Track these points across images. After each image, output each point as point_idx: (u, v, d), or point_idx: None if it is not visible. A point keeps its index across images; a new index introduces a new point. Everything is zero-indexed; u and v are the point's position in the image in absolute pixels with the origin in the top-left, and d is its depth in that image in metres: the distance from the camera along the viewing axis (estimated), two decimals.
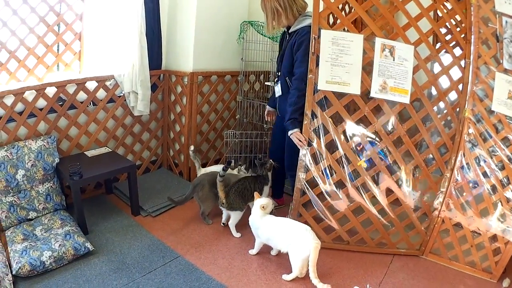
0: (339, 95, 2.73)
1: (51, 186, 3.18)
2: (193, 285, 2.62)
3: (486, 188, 2.75)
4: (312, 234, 2.64)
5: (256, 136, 4.13)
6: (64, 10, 3.36)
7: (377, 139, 2.85)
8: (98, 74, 3.52)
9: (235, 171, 3.62)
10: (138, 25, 3.42)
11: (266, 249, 3.01)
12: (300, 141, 2.83)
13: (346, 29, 2.75)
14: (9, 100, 3.01)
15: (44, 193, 3.13)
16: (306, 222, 2.97)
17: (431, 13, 2.78)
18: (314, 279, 2.58)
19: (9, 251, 2.66)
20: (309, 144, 2.83)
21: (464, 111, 2.74)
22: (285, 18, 2.89)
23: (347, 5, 3.46)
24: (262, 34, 3.87)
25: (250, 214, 2.93)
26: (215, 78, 4.14)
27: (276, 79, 3.13)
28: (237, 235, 3.22)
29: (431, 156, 2.91)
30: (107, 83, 3.57)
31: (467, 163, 2.80)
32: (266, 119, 3.63)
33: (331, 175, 2.87)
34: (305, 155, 2.85)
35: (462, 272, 2.98)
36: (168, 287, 2.59)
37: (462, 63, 2.73)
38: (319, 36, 2.64)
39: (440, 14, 2.79)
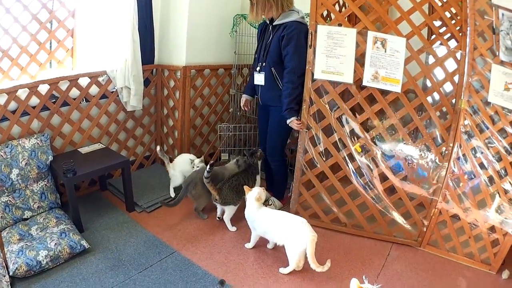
0: (335, 84, 2.96)
1: (46, 185, 3.19)
2: (190, 280, 2.65)
3: (483, 179, 2.79)
4: (308, 227, 2.67)
5: (250, 129, 4.17)
6: (57, 7, 3.36)
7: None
8: (91, 70, 3.53)
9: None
10: (130, 19, 3.43)
11: (262, 243, 3.05)
12: (298, 125, 3.10)
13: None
14: (2, 99, 3.01)
15: (38, 192, 3.15)
16: (305, 202, 3.35)
17: (426, 5, 2.84)
18: (317, 268, 2.62)
19: (5, 251, 2.68)
20: (308, 127, 3.10)
21: (460, 103, 2.77)
22: (275, 11, 2.99)
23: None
24: (254, 27, 3.88)
25: (245, 207, 2.96)
26: (208, 71, 4.15)
27: (259, 68, 3.19)
28: (233, 229, 3.25)
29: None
30: (100, 79, 3.57)
31: (463, 154, 2.83)
32: (243, 109, 3.67)
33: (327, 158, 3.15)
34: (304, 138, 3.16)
35: (461, 263, 3.02)
36: (165, 283, 2.62)
37: (458, 55, 2.75)
38: (315, 31, 2.87)
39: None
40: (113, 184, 3.78)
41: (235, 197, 3.12)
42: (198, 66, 3.99)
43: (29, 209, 3.08)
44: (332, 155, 3.13)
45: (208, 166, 3.02)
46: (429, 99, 2.94)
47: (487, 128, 2.71)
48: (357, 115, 3.01)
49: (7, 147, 3.00)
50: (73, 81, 3.39)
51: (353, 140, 3.04)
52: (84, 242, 2.84)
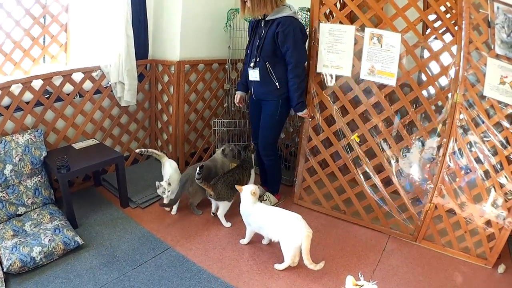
0: (336, 77, 3.17)
1: (39, 180, 3.20)
2: (184, 276, 2.65)
3: (479, 173, 2.81)
4: (303, 223, 2.68)
5: (244, 124, 4.17)
6: (50, 2, 3.35)
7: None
8: (85, 65, 3.53)
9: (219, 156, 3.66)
10: (124, 14, 3.41)
11: (257, 239, 3.05)
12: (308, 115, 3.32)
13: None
14: None
15: (32, 188, 3.15)
16: (308, 187, 3.57)
17: (421, 1, 2.94)
18: (310, 265, 2.64)
19: None
20: (312, 117, 3.34)
21: (456, 96, 2.78)
22: (269, 7, 2.98)
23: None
24: (248, 22, 3.87)
25: (240, 202, 2.97)
26: (202, 66, 4.14)
27: (253, 64, 3.19)
28: (227, 224, 3.26)
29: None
30: (94, 74, 3.56)
31: (459, 149, 2.85)
32: (237, 106, 3.66)
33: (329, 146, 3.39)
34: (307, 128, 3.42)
35: (456, 258, 3.05)
36: (159, 280, 2.62)
37: (453, 49, 2.76)
38: (318, 29, 3.12)
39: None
40: (107, 179, 3.78)
41: (230, 192, 3.12)
42: (192, 61, 3.97)
43: (23, 205, 3.08)
44: (333, 143, 3.34)
45: (197, 169, 3.02)
46: (425, 93, 2.99)
47: (483, 122, 2.73)
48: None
49: (0, 142, 2.99)
50: (66, 76, 3.38)
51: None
52: (78, 238, 2.84)
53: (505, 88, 2.62)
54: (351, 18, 3.16)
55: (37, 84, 3.22)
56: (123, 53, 3.50)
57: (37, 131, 3.22)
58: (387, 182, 3.20)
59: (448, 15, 2.81)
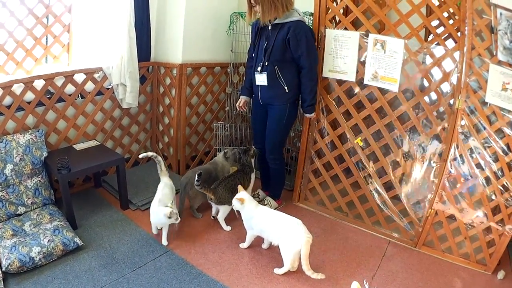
0: (340, 82, 3.25)
1: (40, 181, 3.20)
2: (184, 279, 2.65)
3: (480, 180, 2.80)
4: (303, 228, 2.68)
5: (246, 128, 4.19)
6: (53, 2, 3.36)
7: None
8: (87, 66, 3.53)
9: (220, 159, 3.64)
10: (127, 15, 3.42)
11: (257, 243, 3.05)
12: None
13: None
14: None
15: (32, 188, 3.15)
16: (313, 188, 3.64)
17: (424, 7, 2.95)
18: (308, 271, 2.64)
19: None
20: (317, 120, 3.43)
21: (458, 102, 2.78)
22: (280, 12, 2.98)
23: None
24: (251, 25, 3.89)
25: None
26: (204, 69, 4.15)
27: (260, 68, 3.18)
28: (227, 228, 3.26)
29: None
30: (96, 76, 3.57)
31: (460, 155, 2.85)
32: (240, 110, 3.60)
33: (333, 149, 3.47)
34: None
35: (456, 264, 3.04)
36: (158, 282, 2.62)
37: (456, 55, 2.77)
38: (324, 34, 3.20)
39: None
40: (107, 181, 3.79)
41: (230, 196, 3.10)
42: (194, 64, 3.98)
43: (22, 204, 3.08)
44: (337, 146, 3.42)
45: (196, 176, 3.01)
46: (426, 99, 3.00)
47: (484, 129, 2.73)
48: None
49: (1, 142, 3.00)
50: (68, 77, 3.38)
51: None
52: (77, 239, 2.84)
53: (507, 94, 2.61)
54: (355, 24, 3.17)
55: (39, 84, 3.23)
56: (125, 54, 3.51)
57: (38, 131, 3.22)
58: (389, 186, 3.22)
59: (451, 21, 2.82)
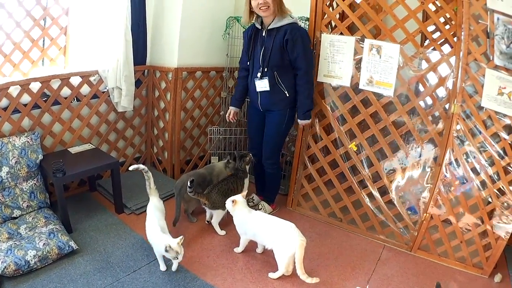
0: (335, 87, 3.30)
1: (35, 184, 3.23)
2: (178, 284, 2.68)
3: (475, 184, 2.85)
4: (297, 232, 2.72)
5: (241, 133, 4.24)
6: (51, 4, 3.41)
7: None
8: (83, 69, 3.57)
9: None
10: (123, 19, 3.47)
11: (251, 247, 3.09)
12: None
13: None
14: None
15: (28, 191, 3.18)
16: (306, 194, 3.68)
17: (421, 12, 2.99)
18: (302, 275, 2.67)
19: None
20: (311, 125, 3.46)
21: (453, 107, 2.83)
22: (280, 11, 3.02)
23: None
24: (244, 32, 3.93)
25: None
26: (199, 74, 4.19)
27: (260, 74, 3.20)
28: (222, 233, 3.29)
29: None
30: (91, 79, 3.61)
31: (455, 159, 2.90)
32: (229, 120, 3.61)
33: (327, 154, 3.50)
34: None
35: (452, 268, 3.09)
36: (153, 287, 2.66)
37: (452, 60, 2.82)
38: (320, 39, 3.25)
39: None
40: (102, 185, 3.83)
41: (224, 201, 3.10)
42: (190, 68, 4.03)
43: (18, 207, 3.12)
44: (331, 151, 3.45)
45: (188, 183, 3.03)
46: (422, 104, 3.04)
47: (480, 133, 2.78)
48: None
49: None
50: (64, 79, 3.42)
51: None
52: (72, 243, 2.88)
53: (503, 99, 2.67)
54: (351, 29, 3.22)
55: (35, 86, 3.26)
56: (121, 58, 3.55)
57: (34, 134, 3.25)
58: (384, 191, 3.26)
59: (447, 26, 2.86)
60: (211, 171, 3.53)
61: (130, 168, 3.03)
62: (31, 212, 3.18)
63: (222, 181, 3.30)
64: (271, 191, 3.72)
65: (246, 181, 3.49)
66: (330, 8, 3.26)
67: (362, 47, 3.05)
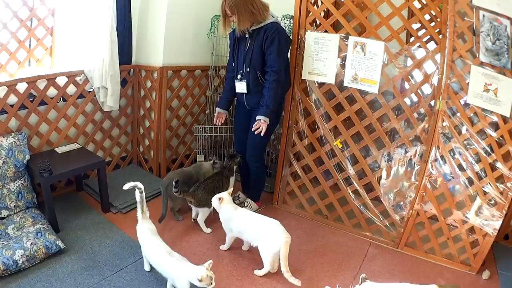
0: (320, 84, 3.38)
1: (22, 184, 3.29)
2: (164, 281, 2.72)
3: (462, 180, 2.94)
4: (282, 229, 2.81)
5: (226, 131, 4.32)
6: (37, 4, 3.46)
7: None
8: (69, 69, 3.64)
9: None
10: (109, 19, 3.54)
11: (237, 245, 3.17)
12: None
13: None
14: None
15: (15, 191, 3.24)
16: (292, 191, 3.77)
17: (406, 10, 3.09)
18: (286, 273, 2.76)
19: None
20: (296, 123, 3.55)
21: (438, 104, 2.92)
22: (259, 17, 3.11)
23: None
24: (232, 29, 4.00)
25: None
26: (185, 72, 4.29)
27: (240, 76, 3.31)
28: (207, 230, 3.38)
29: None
30: (77, 79, 3.68)
31: (441, 156, 2.98)
32: (215, 123, 3.66)
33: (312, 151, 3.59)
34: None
35: (440, 265, 3.17)
36: (139, 284, 2.74)
37: (437, 57, 2.91)
38: (304, 37, 3.33)
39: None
40: (89, 184, 3.90)
41: (209, 199, 3.17)
42: (175, 67, 4.13)
43: (6, 208, 3.17)
44: (316, 149, 3.55)
45: (173, 183, 3.11)
46: (408, 101, 3.13)
47: (466, 130, 2.86)
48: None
49: None
50: (50, 80, 3.48)
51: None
52: (59, 242, 2.95)
53: (489, 95, 2.75)
54: (335, 26, 3.30)
55: (21, 87, 3.32)
56: (107, 58, 3.62)
57: (20, 134, 3.30)
58: (370, 188, 3.35)
59: (433, 24, 2.95)
60: (198, 169, 3.62)
61: (125, 187, 2.87)
62: (18, 212, 3.23)
63: (207, 179, 3.38)
64: (256, 189, 3.81)
65: (232, 179, 3.58)
66: (315, 6, 3.33)
67: (347, 45, 3.14)
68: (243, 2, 3.03)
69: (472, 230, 3.01)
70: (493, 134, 2.80)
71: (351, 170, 3.37)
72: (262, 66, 3.21)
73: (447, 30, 2.80)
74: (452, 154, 2.96)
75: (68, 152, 3.60)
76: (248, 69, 3.25)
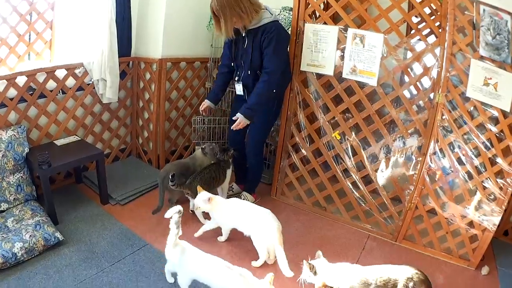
0: (318, 76, 3.44)
1: (22, 177, 3.36)
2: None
3: (461, 174, 3.00)
4: (272, 217, 2.90)
5: (225, 122, 4.38)
6: None
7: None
8: (68, 62, 3.70)
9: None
10: (108, 11, 3.60)
11: (234, 236, 3.23)
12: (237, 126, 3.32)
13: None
14: None
15: (15, 184, 3.31)
16: (290, 183, 3.82)
17: (406, 2, 3.12)
18: (282, 262, 2.79)
19: None
20: (295, 114, 3.60)
21: (437, 97, 2.97)
22: (246, 19, 3.10)
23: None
24: None
25: None
26: (184, 64, 4.36)
27: (237, 78, 3.40)
28: (205, 222, 3.39)
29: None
30: (77, 71, 3.74)
31: (440, 149, 3.04)
32: (202, 113, 3.72)
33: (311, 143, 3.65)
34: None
35: (438, 259, 3.23)
36: (137, 276, 2.81)
37: (437, 50, 2.96)
38: (303, 29, 3.38)
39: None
40: (88, 176, 3.97)
41: (207, 189, 3.20)
42: (174, 58, 4.19)
43: (5, 201, 3.24)
44: (315, 140, 3.62)
45: (170, 177, 3.17)
46: (407, 93, 3.19)
47: (465, 123, 2.91)
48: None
49: None
50: (50, 73, 3.54)
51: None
52: (58, 234, 3.02)
53: (488, 89, 2.80)
54: (334, 18, 3.37)
55: (21, 80, 3.38)
56: (106, 50, 3.68)
57: (20, 127, 3.37)
58: (368, 180, 3.42)
59: (433, 17, 2.99)
60: (194, 161, 3.68)
61: (167, 216, 2.60)
62: (18, 205, 3.30)
63: (203, 170, 3.44)
64: (253, 181, 3.88)
65: (229, 171, 3.64)
66: None
67: (346, 37, 3.19)
68: (229, 4, 3.00)
69: (471, 224, 3.05)
70: (493, 128, 2.84)
71: (349, 162, 3.43)
72: (261, 66, 3.25)
73: (447, 23, 2.85)
74: (451, 147, 3.01)
75: (67, 144, 3.67)
76: (249, 72, 3.31)
